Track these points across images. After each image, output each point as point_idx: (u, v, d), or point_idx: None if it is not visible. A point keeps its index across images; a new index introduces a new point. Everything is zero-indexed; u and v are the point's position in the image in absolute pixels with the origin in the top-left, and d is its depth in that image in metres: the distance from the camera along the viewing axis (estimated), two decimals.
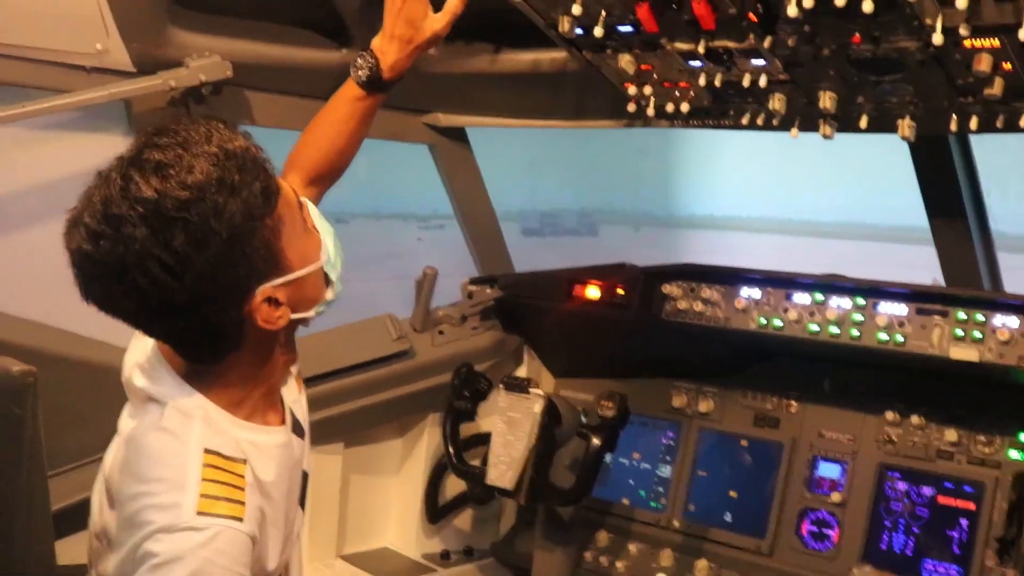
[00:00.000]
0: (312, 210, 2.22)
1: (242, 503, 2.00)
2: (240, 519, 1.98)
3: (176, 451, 2.00)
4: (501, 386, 3.49)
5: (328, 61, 3.65)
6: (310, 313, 2.14)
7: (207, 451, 2.01)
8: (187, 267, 1.86)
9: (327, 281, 2.17)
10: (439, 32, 2.80)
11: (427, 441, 4.18)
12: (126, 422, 2.18)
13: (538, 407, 3.37)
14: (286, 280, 2.03)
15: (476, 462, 3.84)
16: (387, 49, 2.74)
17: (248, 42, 3.52)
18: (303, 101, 3.69)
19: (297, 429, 2.31)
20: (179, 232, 1.84)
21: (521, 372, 4.31)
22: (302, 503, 2.38)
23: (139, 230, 1.83)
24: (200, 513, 1.93)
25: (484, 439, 3.81)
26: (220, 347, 2.04)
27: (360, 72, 2.72)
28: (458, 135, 4.27)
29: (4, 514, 2.07)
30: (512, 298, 4.19)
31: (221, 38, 3.45)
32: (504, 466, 3.42)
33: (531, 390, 3.41)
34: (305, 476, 2.39)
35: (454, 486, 4.20)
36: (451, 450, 3.77)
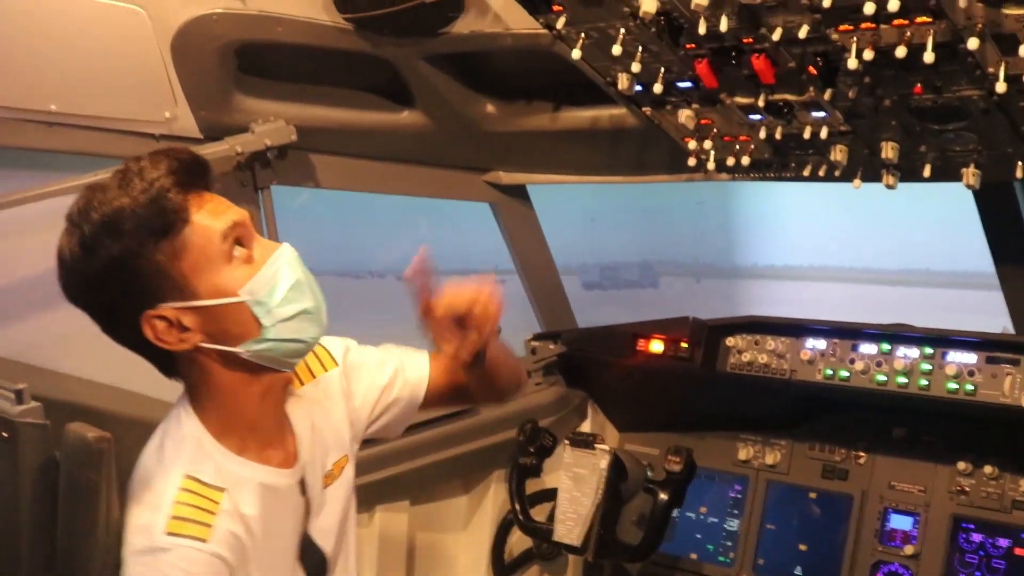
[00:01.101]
0: (284, 255, 2.22)
1: (209, 525, 2.09)
2: (204, 540, 2.08)
3: (159, 474, 2.13)
4: (566, 442, 3.47)
5: (391, 122, 3.69)
6: (238, 350, 2.15)
7: (187, 476, 2.12)
8: (79, 267, 2.08)
9: (259, 323, 2.15)
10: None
11: (493, 497, 4.16)
12: None
13: (604, 463, 3.35)
14: (188, 306, 2.09)
15: (542, 518, 3.82)
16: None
17: (311, 106, 3.56)
18: (367, 163, 3.73)
19: (302, 487, 2.33)
20: (75, 237, 2.09)
21: (585, 427, 4.28)
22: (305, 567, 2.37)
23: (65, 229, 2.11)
24: (168, 533, 2.05)
25: (550, 495, 3.78)
26: (159, 363, 2.19)
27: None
28: (519, 192, 4.27)
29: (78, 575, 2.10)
30: (575, 353, 4.17)
31: (285, 103, 3.50)
32: (571, 522, 3.39)
33: (596, 446, 3.38)
34: (320, 555, 2.39)
35: (520, 542, 4.16)
36: (517, 506, 3.74)
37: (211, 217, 2.12)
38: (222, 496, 2.13)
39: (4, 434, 2.16)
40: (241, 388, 2.20)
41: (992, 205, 3.44)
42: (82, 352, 3.17)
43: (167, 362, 2.19)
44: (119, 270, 2.06)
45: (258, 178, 3.50)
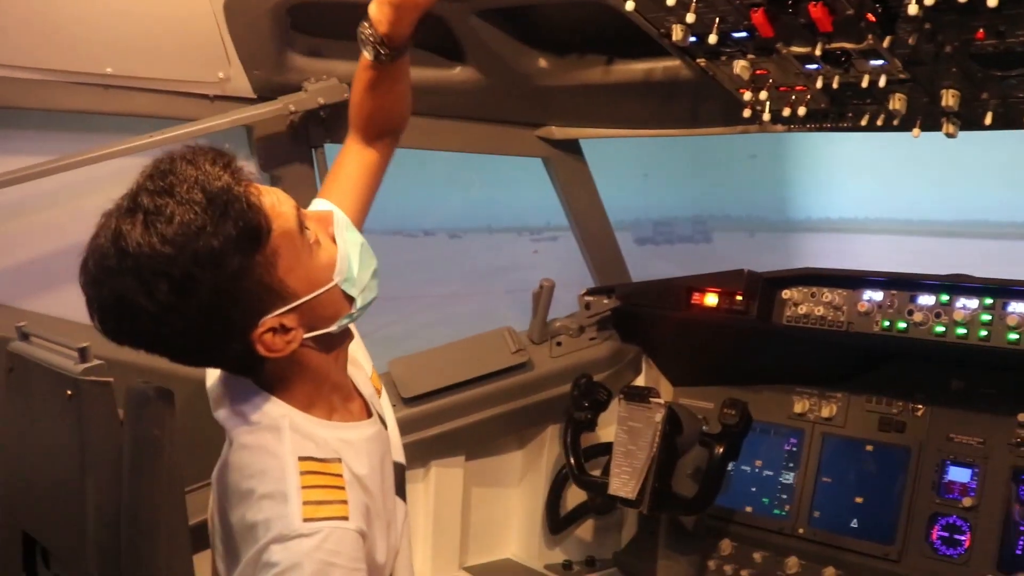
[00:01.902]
0: (339, 222, 2.20)
1: (344, 501, 2.06)
2: (346, 517, 2.04)
3: (273, 465, 2.06)
4: (621, 396, 3.46)
5: (444, 79, 3.69)
6: (331, 328, 2.14)
7: (301, 459, 2.07)
8: (174, 314, 1.92)
9: (348, 297, 2.15)
10: None
11: (548, 452, 4.17)
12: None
13: (659, 416, 3.34)
14: (290, 308, 2.04)
15: (597, 472, 3.82)
16: (382, 20, 2.45)
17: None
18: (418, 119, 3.70)
19: (381, 421, 2.34)
20: (163, 283, 1.88)
21: (640, 382, 4.27)
22: (401, 494, 2.40)
23: (127, 281, 1.89)
24: (307, 519, 1.99)
25: (605, 449, 3.78)
26: (256, 367, 2.11)
27: (366, 50, 2.50)
28: (572, 147, 4.25)
29: (146, 532, 2.12)
30: (629, 308, 4.15)
31: (337, 61, 3.50)
32: (626, 476, 3.39)
33: (652, 399, 3.38)
34: (400, 468, 2.42)
35: (575, 497, 4.17)
36: (572, 461, 3.75)
37: (279, 210, 2.02)
38: (341, 467, 2.11)
39: (68, 392, 2.18)
40: (328, 362, 2.19)
41: None
42: None
43: (241, 367, 2.13)
44: (222, 302, 1.94)
45: (312, 136, 3.52)
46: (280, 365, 2.11)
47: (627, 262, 4.54)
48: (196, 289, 1.90)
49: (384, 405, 2.46)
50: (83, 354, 2.16)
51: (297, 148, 3.51)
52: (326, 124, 3.50)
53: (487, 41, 3.53)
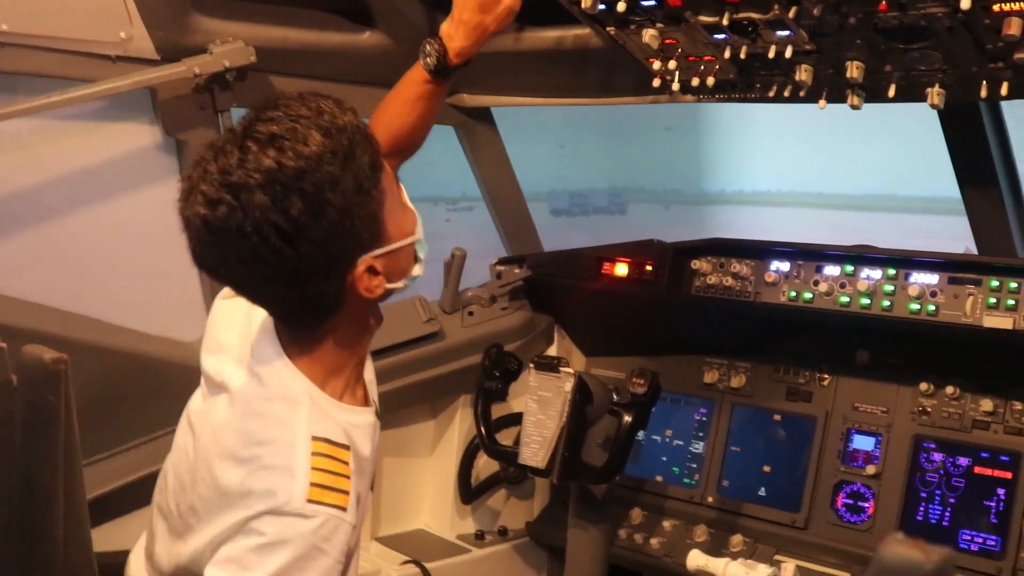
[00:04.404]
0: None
1: (347, 492, 2.07)
2: (345, 508, 2.06)
3: (283, 437, 2.07)
4: (531, 366, 3.48)
5: (352, 43, 3.66)
6: (399, 284, 2.18)
7: (315, 438, 2.08)
8: (302, 234, 1.93)
9: (415, 257, 2.21)
10: (509, 15, 2.79)
11: (459, 422, 4.18)
12: (198, 404, 2.27)
13: (569, 386, 3.36)
14: (386, 251, 2.08)
15: (508, 442, 3.84)
16: (455, 35, 2.73)
17: (271, 27, 3.51)
18: (328, 85, 3.68)
19: (376, 412, 2.36)
20: (296, 200, 1.91)
21: (552, 351, 4.30)
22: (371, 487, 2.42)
23: (258, 196, 1.90)
24: (310, 501, 2.01)
25: (516, 419, 3.81)
26: (321, 314, 2.10)
27: (428, 59, 2.71)
28: (484, 115, 4.25)
29: (42, 501, 2.09)
30: (541, 277, 4.17)
31: (244, 23, 3.45)
32: (536, 445, 3.41)
33: (561, 369, 3.40)
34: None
35: (487, 467, 4.20)
36: (483, 431, 3.76)
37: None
38: (349, 455, 2.12)
39: None
40: (368, 331, 2.23)
41: (957, 128, 3.44)
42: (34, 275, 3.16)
43: (317, 311, 2.10)
44: (343, 228, 1.97)
45: (217, 100, 3.46)
46: (338, 320, 2.11)
47: (543, 233, 4.56)
48: (325, 210, 1.93)
49: (375, 388, 2.46)
50: None
51: (203, 112, 3.45)
52: (233, 88, 3.44)
53: (396, 5, 3.53)
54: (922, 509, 3.47)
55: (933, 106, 2.96)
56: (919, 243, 3.76)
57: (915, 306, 3.32)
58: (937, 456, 3.49)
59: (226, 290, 2.34)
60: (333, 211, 1.94)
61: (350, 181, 1.96)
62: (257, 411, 2.11)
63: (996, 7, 2.54)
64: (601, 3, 3.01)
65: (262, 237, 1.91)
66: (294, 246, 1.93)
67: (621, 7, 2.94)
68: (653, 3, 2.97)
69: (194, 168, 1.98)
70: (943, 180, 3.62)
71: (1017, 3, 2.52)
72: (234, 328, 2.25)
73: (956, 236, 3.83)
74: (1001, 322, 3.17)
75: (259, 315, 2.20)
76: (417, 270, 2.23)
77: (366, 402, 2.31)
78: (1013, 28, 2.55)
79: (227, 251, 1.95)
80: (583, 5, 3.01)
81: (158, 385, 3.25)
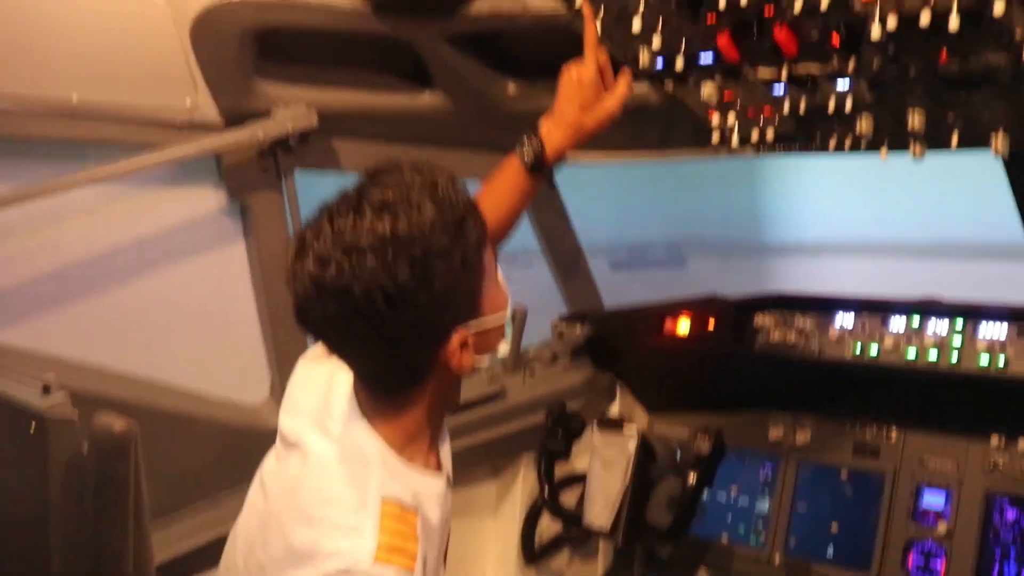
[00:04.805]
0: None
1: (415, 555, 2.06)
2: (412, 571, 2.04)
3: (353, 497, 2.07)
4: (595, 425, 3.47)
5: (411, 104, 3.69)
6: (484, 362, 2.19)
7: (385, 499, 2.08)
8: (407, 300, 1.95)
9: (503, 333, 2.23)
10: (609, 118, 2.83)
11: (522, 482, 4.16)
12: (271, 464, 2.30)
13: (632, 445, 3.35)
14: (480, 326, 2.10)
15: (573, 501, 3.82)
16: (555, 133, 2.79)
17: (331, 90, 3.55)
18: (389, 146, 3.72)
19: (449, 480, 2.35)
20: (405, 266, 1.94)
21: (614, 408, 4.28)
22: (444, 558, 2.41)
23: (369, 259, 1.93)
24: (378, 561, 2.01)
25: (580, 478, 3.78)
26: (408, 381, 2.12)
27: (526, 155, 2.77)
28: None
29: (111, 569, 2.10)
30: (602, 335, 4.16)
31: (305, 87, 3.49)
32: (600, 506, 3.39)
33: (624, 429, 3.38)
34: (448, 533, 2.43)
35: (551, 527, 4.16)
36: (546, 490, 3.75)
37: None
38: (416, 519, 2.12)
39: (31, 428, 2.16)
40: (453, 403, 2.25)
41: (1022, 172, 3.39)
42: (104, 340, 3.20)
43: (406, 379, 2.13)
44: (446, 298, 2.01)
45: (281, 163, 3.50)
46: (423, 390, 2.13)
47: (603, 288, 4.55)
48: (431, 279, 1.96)
49: (449, 459, 2.46)
50: (47, 388, 2.14)
51: (266, 176, 3.50)
52: (295, 151, 3.49)
53: (455, 66, 3.54)
54: (996, 568, 3.39)
55: (997, 154, 2.93)
56: (987, 291, 3.70)
57: (984, 360, 3.26)
58: (1011, 513, 3.42)
59: (310, 352, 2.38)
60: (439, 281, 1.97)
61: (458, 254, 2.00)
62: (329, 471, 2.13)
63: None
64: (659, 59, 3.03)
65: (369, 299, 1.94)
66: (397, 311, 1.96)
67: (679, 64, 2.96)
68: (711, 58, 2.97)
69: (308, 227, 2.03)
70: (1011, 225, 3.56)
71: None
72: (315, 391, 2.28)
73: None
74: None
75: (341, 380, 2.23)
76: (503, 348, 2.25)
77: (439, 468, 2.30)
78: None
79: (331, 309, 1.98)
80: (641, 64, 3.03)
81: (224, 448, 3.28)
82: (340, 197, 2.03)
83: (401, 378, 2.12)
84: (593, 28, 2.90)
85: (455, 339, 2.06)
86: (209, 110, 3.32)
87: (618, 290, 5.03)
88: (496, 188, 2.81)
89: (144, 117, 3.25)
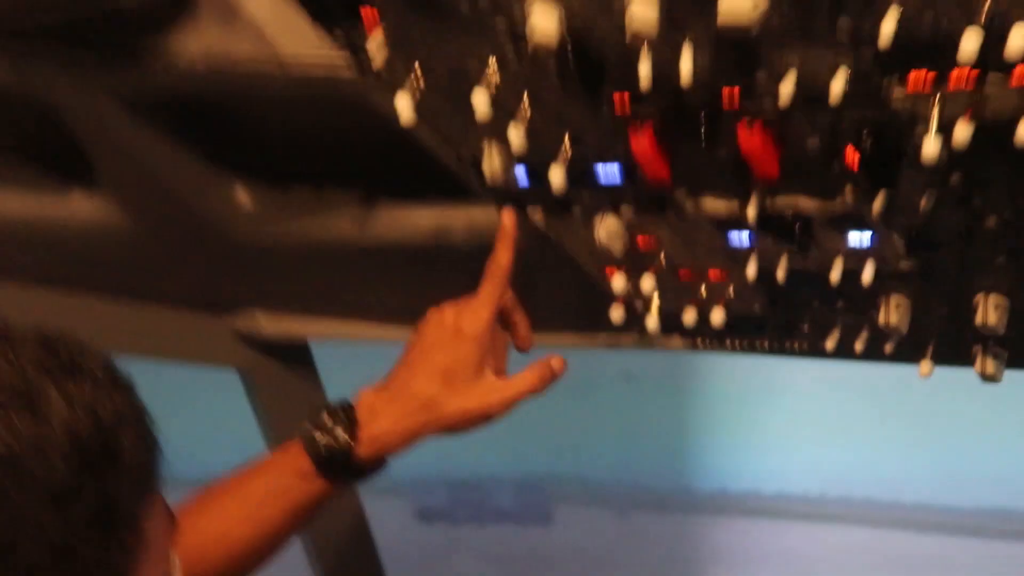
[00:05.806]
0: None
1: None
2: None
3: None
4: None
5: (57, 217, 3.72)
6: None
7: None
8: None
9: None
10: (496, 412, 2.84)
11: None
12: None
13: None
14: None
15: None
16: (384, 413, 2.79)
17: None
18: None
19: None
20: None
21: None
22: None
23: None
24: None
25: None
26: None
27: (319, 444, 2.77)
28: (294, 353, 4.41)
29: None
30: None
31: None
32: None
33: None
34: None
35: None
36: None
37: None
38: None
39: None
40: None
41: None
42: None
43: None
44: None
45: None
46: None
47: (399, 552, 4.71)
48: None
49: None
50: None
51: None
52: None
53: (137, 153, 3.45)
54: None
55: None
56: None
57: None
58: None
59: None
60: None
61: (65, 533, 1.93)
62: None
63: None
64: (520, 169, 2.91)
65: None
66: None
67: (557, 177, 2.79)
68: (616, 175, 2.86)
69: None
70: None
71: None
72: None
73: None
74: None
75: None
76: None
77: None
78: None
79: None
80: (487, 172, 2.89)
81: None
82: None
83: None
84: (509, 241, 2.90)
85: None
86: None
87: (428, 561, 5.06)
88: (252, 490, 2.84)
89: None
